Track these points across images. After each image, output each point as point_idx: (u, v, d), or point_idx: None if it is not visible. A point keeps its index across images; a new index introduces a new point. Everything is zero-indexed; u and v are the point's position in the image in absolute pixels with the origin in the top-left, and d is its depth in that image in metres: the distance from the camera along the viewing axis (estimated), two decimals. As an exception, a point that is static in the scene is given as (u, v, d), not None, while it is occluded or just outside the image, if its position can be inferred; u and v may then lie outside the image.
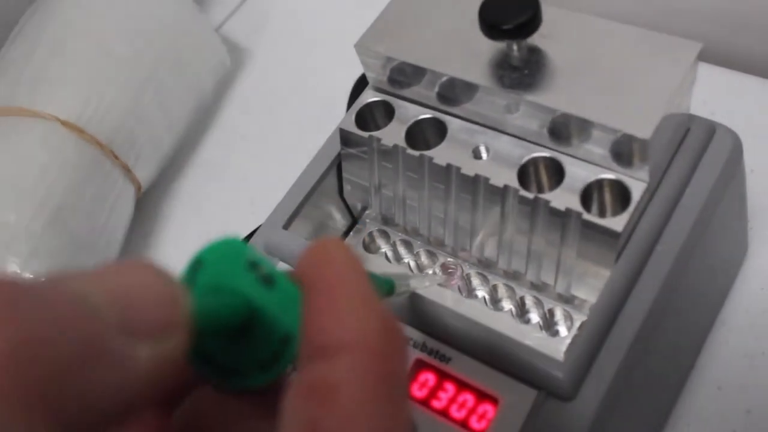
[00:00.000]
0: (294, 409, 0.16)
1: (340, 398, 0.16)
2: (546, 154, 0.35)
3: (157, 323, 0.15)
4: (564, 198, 0.33)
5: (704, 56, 0.34)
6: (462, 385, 0.33)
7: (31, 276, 0.44)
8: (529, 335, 0.36)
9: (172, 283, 0.16)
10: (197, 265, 0.19)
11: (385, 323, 0.17)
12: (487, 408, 0.32)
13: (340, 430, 0.16)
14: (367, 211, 0.41)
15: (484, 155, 0.36)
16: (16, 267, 0.44)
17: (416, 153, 0.36)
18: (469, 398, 0.32)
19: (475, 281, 0.38)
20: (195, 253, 0.19)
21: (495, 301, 0.38)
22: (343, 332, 0.16)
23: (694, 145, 0.36)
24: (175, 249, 0.54)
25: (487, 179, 0.35)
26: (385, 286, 0.28)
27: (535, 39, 0.34)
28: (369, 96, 0.39)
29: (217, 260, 0.18)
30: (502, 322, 0.37)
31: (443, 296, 0.37)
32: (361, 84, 0.51)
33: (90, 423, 0.14)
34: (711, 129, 0.36)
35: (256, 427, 0.18)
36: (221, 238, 0.19)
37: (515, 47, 0.34)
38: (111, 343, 0.14)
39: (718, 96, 0.48)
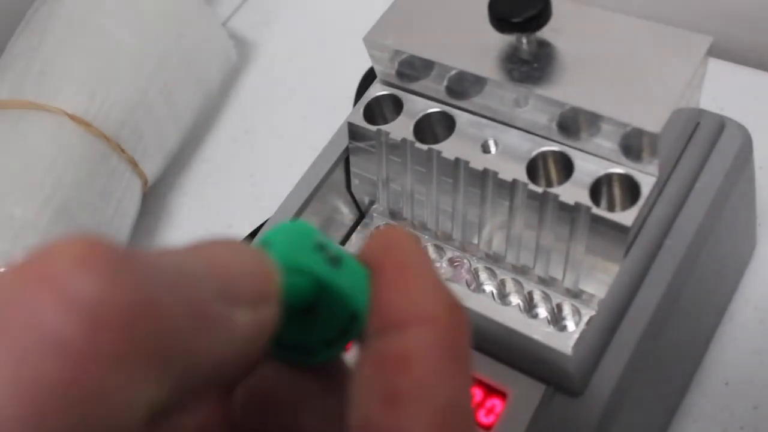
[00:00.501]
0: (368, 378, 0.17)
1: (414, 366, 0.17)
2: (555, 148, 0.35)
3: (253, 291, 0.16)
4: (573, 192, 0.33)
5: (714, 52, 0.34)
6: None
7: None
8: (537, 330, 0.36)
9: (264, 256, 0.17)
10: (265, 246, 0.19)
11: (451, 302, 0.18)
12: (496, 402, 0.32)
13: (416, 396, 0.16)
14: (374, 206, 0.41)
15: (492, 149, 0.36)
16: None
17: (425, 147, 0.36)
18: (477, 392, 0.32)
19: (483, 275, 0.38)
20: (262, 235, 0.19)
21: (503, 296, 0.38)
22: (414, 307, 0.18)
23: (703, 140, 0.36)
24: (181, 243, 0.54)
25: (495, 173, 0.35)
26: None
27: (545, 32, 0.34)
28: (377, 90, 0.39)
29: (285, 241, 0.19)
30: (509, 316, 0.37)
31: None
32: (368, 78, 0.51)
33: (191, 389, 0.15)
34: (720, 124, 0.36)
35: (320, 403, 0.19)
36: (288, 222, 0.20)
37: (524, 41, 0.34)
38: (212, 308, 0.15)
39: (728, 92, 0.48)
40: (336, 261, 0.19)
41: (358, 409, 0.17)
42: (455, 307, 0.18)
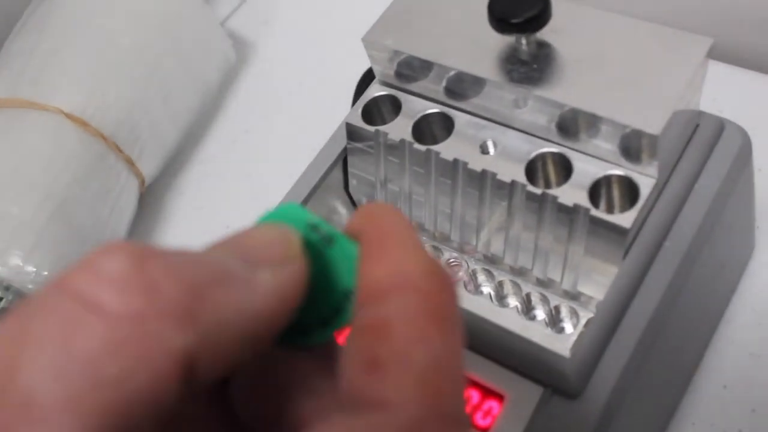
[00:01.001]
0: (352, 348, 0.18)
1: (393, 332, 0.17)
2: (554, 149, 0.35)
3: (272, 254, 0.18)
4: (572, 194, 0.33)
5: (713, 54, 0.33)
6: (467, 382, 0.32)
7: (33, 269, 0.44)
8: (535, 332, 0.36)
9: (283, 229, 0.19)
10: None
11: (431, 265, 0.18)
12: (493, 404, 0.32)
13: (397, 360, 0.17)
14: (372, 206, 0.41)
15: (491, 150, 0.36)
16: (18, 260, 0.44)
17: (423, 148, 0.36)
18: (474, 394, 0.32)
19: (481, 277, 0.38)
20: (258, 217, 0.20)
21: (501, 298, 0.38)
22: (393, 275, 0.18)
23: (703, 142, 0.35)
24: (178, 243, 0.54)
25: (494, 174, 0.35)
26: None
27: (545, 33, 0.34)
28: (376, 90, 0.39)
29: (279, 222, 0.19)
30: (507, 318, 0.37)
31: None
32: (366, 78, 0.50)
33: (222, 341, 0.17)
34: (720, 126, 0.36)
35: (317, 385, 0.19)
36: (281, 205, 0.20)
37: (524, 41, 0.34)
38: (234, 269, 0.17)
39: (727, 94, 0.48)
40: (328, 240, 0.19)
41: (342, 378, 0.18)
42: (435, 271, 0.18)
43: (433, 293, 0.18)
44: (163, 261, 0.16)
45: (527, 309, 0.37)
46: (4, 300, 0.44)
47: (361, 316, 0.18)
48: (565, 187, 0.34)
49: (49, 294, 0.16)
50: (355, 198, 0.41)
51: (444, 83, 0.36)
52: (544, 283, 0.37)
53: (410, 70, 0.37)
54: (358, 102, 0.39)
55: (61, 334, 0.15)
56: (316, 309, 0.19)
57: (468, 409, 0.32)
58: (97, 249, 0.16)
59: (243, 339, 0.17)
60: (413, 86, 0.38)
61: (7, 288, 0.44)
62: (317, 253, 0.19)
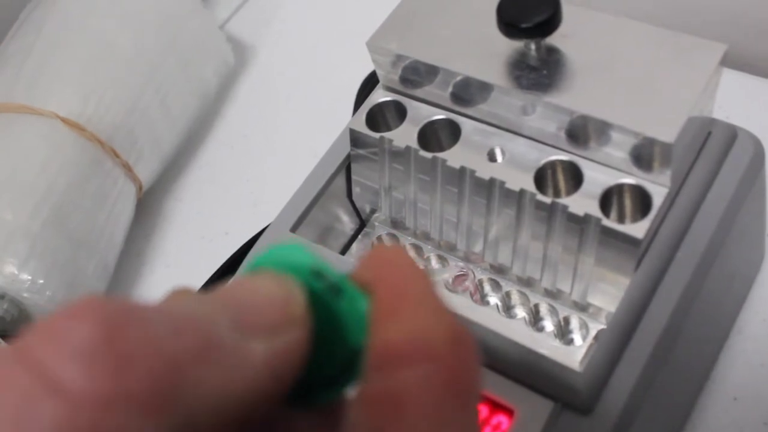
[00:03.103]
0: (360, 420, 0.16)
1: (406, 411, 0.15)
2: (564, 157, 0.34)
3: (269, 320, 0.16)
4: (582, 203, 0.32)
5: (723, 60, 0.33)
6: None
7: (29, 278, 0.43)
8: (544, 344, 0.35)
9: (286, 283, 0.17)
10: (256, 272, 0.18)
11: (454, 332, 0.16)
12: (502, 419, 0.31)
13: None
14: (375, 214, 0.40)
15: (499, 158, 0.35)
16: (13, 267, 0.43)
17: (429, 155, 0.35)
18: (482, 409, 0.31)
19: (488, 287, 0.37)
20: (253, 259, 0.18)
21: (508, 308, 0.37)
22: (409, 342, 0.16)
23: (715, 150, 0.35)
24: (176, 250, 0.53)
25: (502, 183, 0.34)
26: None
27: (555, 38, 0.33)
28: (380, 96, 0.38)
29: (278, 268, 0.17)
30: (515, 329, 0.36)
31: (454, 303, 0.36)
32: (369, 83, 0.50)
33: (207, 423, 0.14)
34: (733, 133, 0.35)
35: None
36: (281, 245, 0.18)
37: (533, 47, 0.33)
38: (224, 340, 0.15)
39: (735, 100, 0.47)
40: (335, 290, 0.17)
41: None
42: (458, 338, 0.16)
43: (456, 364, 0.16)
44: (140, 329, 0.14)
45: (535, 320, 0.36)
46: (-1, 309, 0.43)
47: (372, 383, 0.16)
48: (576, 196, 0.33)
49: (6, 362, 0.14)
50: (358, 206, 0.40)
51: (450, 89, 0.36)
52: (552, 294, 0.36)
53: (416, 75, 0.36)
54: (362, 107, 0.38)
55: (14, 414, 0.13)
56: (321, 367, 0.17)
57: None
58: (66, 309, 0.14)
59: (231, 415, 0.15)
60: (419, 92, 0.37)
61: (2, 296, 0.43)
62: (322, 305, 0.17)
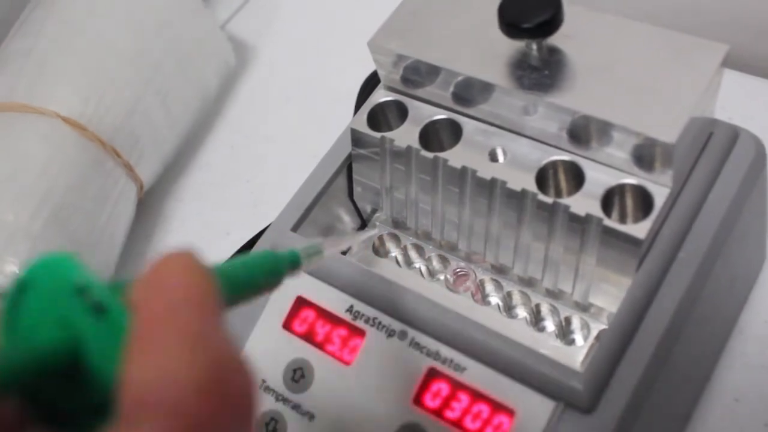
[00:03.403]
0: None
1: None
2: (565, 157, 0.34)
3: None
4: (584, 203, 0.32)
5: (724, 61, 0.33)
6: (476, 396, 0.32)
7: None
8: (545, 344, 0.35)
9: None
10: (22, 288, 0.16)
11: (210, 375, 0.13)
12: (503, 419, 0.31)
13: None
14: (377, 214, 0.40)
15: (500, 158, 0.35)
16: (14, 267, 0.43)
17: (430, 155, 0.35)
18: (484, 409, 0.31)
19: (489, 287, 0.37)
20: (22, 271, 0.16)
21: (509, 308, 0.37)
22: (152, 385, 0.13)
23: (717, 150, 0.35)
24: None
25: (504, 183, 0.34)
26: (285, 261, 0.25)
27: (556, 38, 0.33)
28: (381, 95, 0.38)
29: (42, 283, 0.16)
30: (516, 329, 0.36)
31: (455, 303, 0.36)
32: (370, 83, 0.50)
33: None
34: (734, 134, 0.35)
35: None
36: (48, 256, 0.16)
37: (535, 47, 0.33)
38: None
39: (738, 101, 0.47)
40: (99, 308, 0.15)
41: None
42: (216, 380, 0.13)
43: (204, 417, 0.13)
44: None
45: (536, 320, 0.36)
46: (-1, 309, 0.43)
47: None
48: (577, 196, 0.33)
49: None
50: (359, 206, 0.40)
51: (452, 89, 0.36)
52: (554, 294, 0.36)
53: (417, 75, 0.36)
54: (363, 107, 0.38)
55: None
56: (85, 394, 0.15)
57: (478, 424, 0.31)
58: None
59: None
60: (420, 92, 0.37)
61: (3, 297, 0.43)
62: (81, 325, 0.15)
